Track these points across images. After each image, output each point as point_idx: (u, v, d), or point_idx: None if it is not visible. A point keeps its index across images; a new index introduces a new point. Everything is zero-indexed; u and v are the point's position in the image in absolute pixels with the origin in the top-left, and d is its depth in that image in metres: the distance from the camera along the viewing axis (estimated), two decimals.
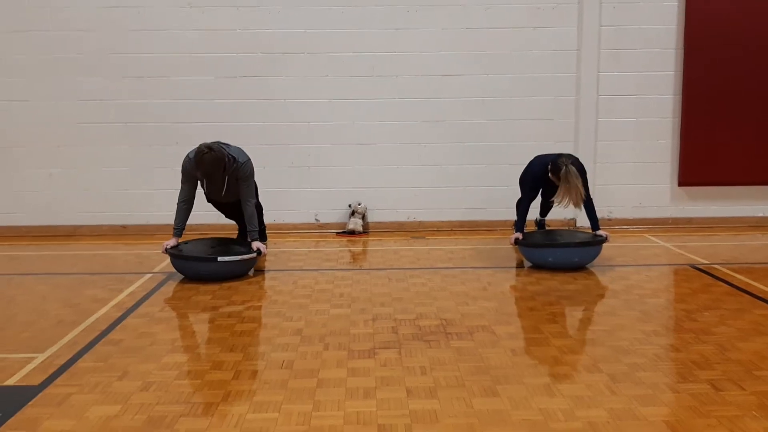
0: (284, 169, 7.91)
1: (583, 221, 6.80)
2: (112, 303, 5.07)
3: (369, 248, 7.24)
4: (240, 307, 4.93)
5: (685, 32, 7.76)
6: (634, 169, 8.02)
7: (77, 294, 5.35)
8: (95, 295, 5.28)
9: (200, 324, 4.72)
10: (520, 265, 6.23)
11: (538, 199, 6.56)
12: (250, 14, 7.70)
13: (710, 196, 8.10)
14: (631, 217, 8.09)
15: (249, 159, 5.86)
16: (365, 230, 7.89)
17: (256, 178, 6.10)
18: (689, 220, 8.10)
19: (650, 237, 7.55)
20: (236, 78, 7.77)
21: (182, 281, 5.69)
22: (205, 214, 6.55)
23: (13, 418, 3.17)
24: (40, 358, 3.94)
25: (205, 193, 6.07)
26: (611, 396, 3.34)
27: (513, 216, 6.37)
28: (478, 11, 7.75)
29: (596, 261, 6.09)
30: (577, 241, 6.11)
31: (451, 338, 4.20)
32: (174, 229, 5.85)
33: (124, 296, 5.26)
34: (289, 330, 4.39)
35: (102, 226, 7.94)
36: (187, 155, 5.75)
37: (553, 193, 5.98)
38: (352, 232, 7.77)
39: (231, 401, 3.33)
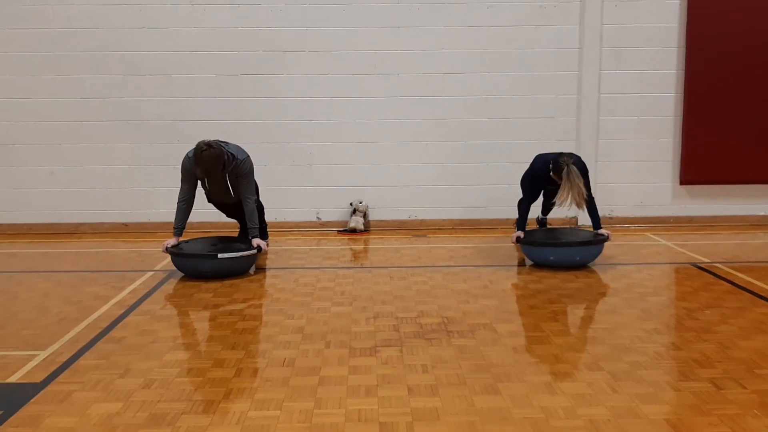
0: (286, 168, 7.91)
1: (585, 220, 6.80)
2: (114, 300, 5.07)
3: (370, 246, 7.25)
4: (241, 305, 4.93)
5: (687, 31, 7.75)
6: (636, 167, 8.02)
7: (79, 291, 5.36)
8: (97, 293, 5.29)
9: (202, 322, 4.72)
10: (521, 264, 6.23)
11: (540, 198, 6.57)
12: (252, 12, 7.70)
13: (712, 194, 8.09)
14: (633, 216, 8.09)
15: (248, 156, 5.86)
16: (366, 228, 7.90)
17: (257, 177, 6.10)
18: (690, 219, 8.10)
19: (651, 235, 7.55)
20: (237, 76, 7.78)
21: (184, 279, 5.69)
22: (206, 213, 6.56)
23: (15, 415, 3.17)
24: (42, 355, 3.94)
25: (205, 193, 6.07)
26: (612, 394, 3.34)
27: (514, 214, 6.37)
28: (480, 9, 7.74)
29: (598, 259, 6.09)
30: (579, 239, 6.10)
31: (453, 336, 4.20)
32: (174, 228, 5.85)
33: (125, 294, 5.26)
34: (291, 328, 4.40)
35: (103, 223, 7.95)
36: (187, 154, 5.75)
37: (554, 193, 5.97)
38: (353, 231, 7.77)
39: (232, 399, 3.33)
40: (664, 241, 7.23)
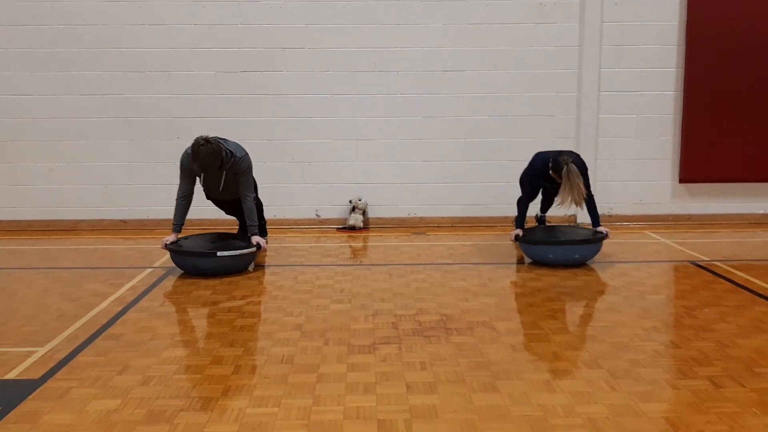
0: (285, 165, 7.91)
1: (584, 218, 6.80)
2: (113, 297, 5.07)
3: (369, 244, 7.24)
4: (240, 302, 4.93)
5: (687, 29, 7.74)
6: (635, 165, 8.02)
7: (78, 288, 5.36)
8: (96, 290, 5.28)
9: (200, 319, 4.72)
10: (520, 262, 6.23)
11: (539, 196, 6.57)
12: (252, 9, 7.69)
13: (711, 192, 8.09)
14: (632, 214, 8.09)
15: (247, 153, 5.85)
16: (366, 226, 7.90)
17: (257, 174, 6.09)
18: (690, 217, 8.10)
19: (651, 234, 7.55)
20: (237, 73, 7.77)
21: (183, 276, 5.69)
22: (205, 210, 6.56)
23: (13, 412, 3.17)
24: (41, 351, 3.94)
25: (204, 190, 6.06)
26: (611, 392, 3.34)
27: (514, 212, 6.36)
28: (480, 7, 7.73)
29: (597, 257, 6.09)
30: (578, 237, 6.10)
31: (451, 334, 4.20)
32: (173, 224, 5.84)
33: (124, 291, 5.26)
34: (290, 325, 4.40)
35: (103, 220, 7.95)
36: (185, 150, 5.74)
37: (553, 191, 5.97)
38: (352, 228, 7.77)
39: (231, 396, 3.33)
40: (663, 239, 7.23)
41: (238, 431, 2.97)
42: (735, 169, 7.95)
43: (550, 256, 5.95)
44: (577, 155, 6.05)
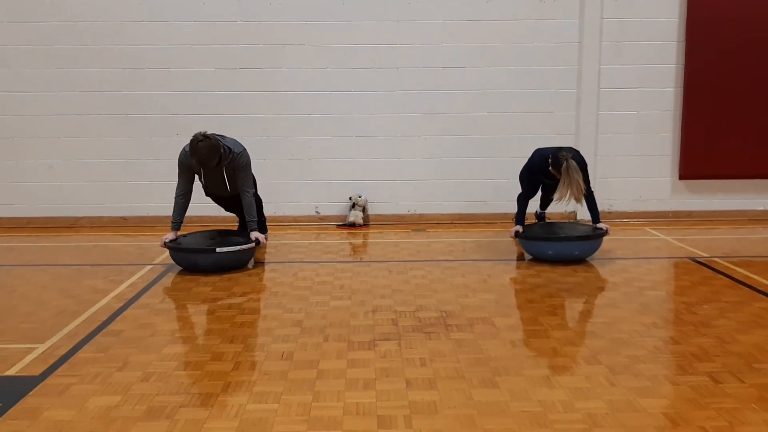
0: (284, 162, 7.91)
1: (584, 214, 6.80)
2: (113, 294, 5.07)
3: (369, 240, 7.25)
4: (240, 299, 4.93)
5: (687, 25, 7.74)
6: (635, 162, 8.02)
7: (78, 285, 5.36)
8: (95, 286, 5.29)
9: (200, 315, 4.72)
10: (520, 258, 6.23)
11: (539, 192, 6.56)
12: (251, 5, 7.68)
13: (711, 189, 8.09)
14: (632, 210, 8.09)
15: (245, 149, 5.85)
16: (366, 223, 7.90)
17: (256, 171, 6.09)
18: (689, 213, 8.10)
19: (650, 230, 7.55)
20: (236, 69, 7.76)
21: (182, 273, 5.69)
22: (205, 207, 6.55)
23: (13, 408, 3.17)
24: (41, 348, 3.94)
25: (203, 186, 6.06)
26: (610, 388, 3.34)
27: (513, 209, 6.36)
28: (479, 3, 7.73)
29: (596, 254, 6.09)
30: (578, 234, 6.10)
31: (451, 330, 4.21)
32: (172, 222, 5.84)
33: (124, 287, 5.26)
34: (290, 321, 4.40)
35: (102, 217, 7.95)
36: (183, 148, 5.73)
37: (553, 187, 5.97)
38: (352, 225, 7.77)
39: (231, 392, 3.33)
40: (663, 236, 7.23)
41: (238, 427, 2.97)
42: (735, 165, 7.95)
43: (550, 252, 5.95)
44: (577, 151, 6.05)
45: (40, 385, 3.44)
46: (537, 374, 3.52)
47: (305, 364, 3.66)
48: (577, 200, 5.83)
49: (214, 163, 5.62)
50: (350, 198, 7.89)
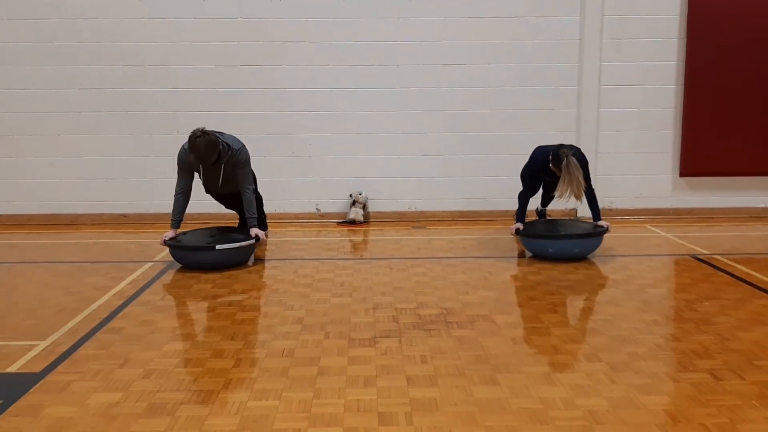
0: (285, 159, 7.90)
1: (585, 211, 6.80)
2: (113, 291, 5.08)
3: (370, 238, 7.25)
4: (241, 296, 4.93)
5: (688, 22, 7.73)
6: (636, 159, 8.01)
7: (78, 282, 5.36)
8: (96, 283, 5.29)
9: (201, 312, 4.72)
10: (521, 255, 6.23)
11: (540, 189, 6.56)
12: (251, 3, 7.67)
13: (711, 186, 8.09)
14: (633, 208, 8.09)
15: (244, 146, 5.84)
16: (366, 220, 7.89)
17: (257, 168, 6.09)
18: (690, 211, 8.10)
19: (651, 227, 7.55)
20: (237, 67, 7.75)
21: (183, 270, 5.69)
22: (205, 204, 6.54)
23: (14, 405, 3.18)
24: (42, 345, 3.95)
25: (203, 184, 6.06)
26: (611, 385, 3.34)
27: (514, 206, 6.35)
28: (480, 0, 7.71)
29: (597, 251, 6.09)
30: (578, 231, 6.10)
31: (452, 327, 4.21)
32: (171, 220, 5.84)
33: (125, 284, 5.26)
34: (290, 318, 4.40)
35: (102, 214, 7.95)
36: (182, 146, 5.72)
37: (554, 185, 5.96)
38: (353, 222, 7.77)
39: (232, 389, 3.33)
40: (663, 233, 7.23)
41: (239, 424, 2.97)
42: (736, 162, 7.94)
43: (551, 249, 5.95)
44: (578, 149, 6.05)
45: (41, 382, 3.44)
46: (538, 371, 3.52)
47: (306, 361, 3.67)
48: (578, 197, 5.82)
49: (213, 159, 5.60)
50: (351, 195, 7.89)
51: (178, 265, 5.79)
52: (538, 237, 6.07)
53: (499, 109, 7.88)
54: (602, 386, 3.33)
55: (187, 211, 5.91)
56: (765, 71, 7.79)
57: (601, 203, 6.39)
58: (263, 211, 6.60)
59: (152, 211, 7.83)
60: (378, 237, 7.24)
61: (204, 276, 5.47)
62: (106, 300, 4.85)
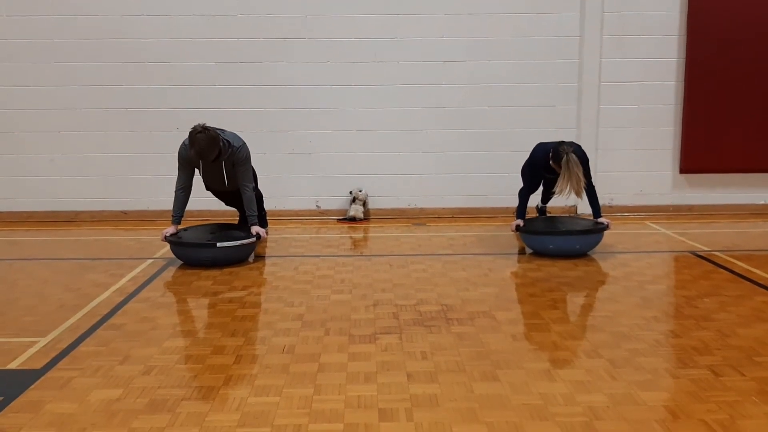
0: (285, 156, 7.90)
1: (585, 208, 6.80)
2: (114, 288, 5.08)
3: (370, 235, 7.25)
4: (241, 293, 4.94)
5: (688, 19, 7.72)
6: (636, 156, 8.01)
7: (79, 279, 5.36)
8: (97, 280, 5.29)
9: (201, 309, 4.73)
10: (521, 252, 6.23)
11: (540, 186, 6.56)
12: None
13: (711, 183, 8.09)
14: (633, 204, 8.09)
15: (244, 143, 5.84)
16: (366, 217, 7.90)
17: (257, 165, 6.08)
18: (690, 207, 8.10)
19: (651, 224, 7.55)
20: (237, 63, 7.75)
21: (183, 267, 5.69)
22: (205, 201, 6.55)
23: (15, 401, 3.18)
24: (42, 342, 3.95)
25: (203, 181, 6.05)
26: (611, 381, 3.35)
27: (514, 203, 6.36)
28: None
29: (597, 248, 6.09)
30: (579, 228, 6.10)
31: (452, 324, 4.21)
32: (172, 216, 5.84)
33: (125, 281, 5.27)
34: (291, 315, 4.40)
35: (103, 211, 7.95)
36: (183, 142, 5.72)
37: (554, 182, 5.96)
38: (353, 219, 7.77)
39: (232, 385, 3.34)
40: (663, 230, 7.23)
41: (239, 420, 2.98)
42: (736, 159, 7.95)
43: (551, 246, 5.95)
44: (578, 146, 6.05)
45: (42, 378, 3.44)
46: (538, 368, 3.52)
47: (306, 358, 3.67)
48: (578, 194, 5.82)
49: (213, 156, 5.59)
50: (351, 192, 7.89)
51: (179, 262, 5.79)
52: (539, 234, 6.07)
53: (499, 106, 7.88)
54: (602, 382, 3.33)
55: (187, 207, 5.91)
56: (765, 68, 7.79)
57: (601, 200, 6.38)
58: (263, 209, 6.60)
59: (152, 208, 7.84)
60: (378, 234, 7.24)
61: (204, 273, 5.48)
62: (106, 297, 4.86)
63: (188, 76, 7.74)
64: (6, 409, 3.11)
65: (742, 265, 5.60)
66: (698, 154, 7.93)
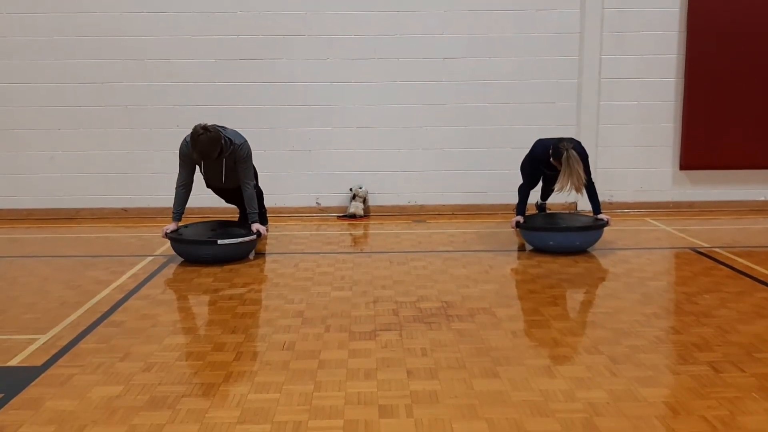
0: (285, 153, 7.90)
1: (585, 205, 6.80)
2: (114, 285, 5.08)
3: (370, 232, 7.25)
4: (241, 290, 4.94)
5: (688, 15, 7.71)
6: (636, 152, 8.01)
7: (79, 276, 5.37)
8: (97, 277, 5.29)
9: (202, 306, 4.73)
10: (521, 249, 6.23)
11: (540, 183, 6.56)
12: None
13: (712, 179, 8.09)
14: (633, 201, 8.09)
15: (246, 141, 5.84)
16: (366, 214, 7.90)
17: (257, 162, 6.08)
18: (690, 204, 8.10)
19: (651, 221, 7.55)
20: (236, 61, 7.75)
21: (183, 264, 5.70)
22: (206, 198, 6.55)
23: (16, 398, 3.18)
24: (43, 339, 3.95)
25: (204, 178, 6.06)
26: (611, 377, 3.35)
27: (514, 199, 6.36)
28: None
29: (597, 244, 6.09)
30: (579, 224, 6.10)
31: (452, 320, 4.21)
32: (173, 213, 5.84)
33: (125, 278, 5.27)
34: (291, 312, 4.41)
35: (103, 209, 7.95)
36: (184, 139, 5.73)
37: (554, 178, 5.96)
38: (353, 216, 7.77)
39: (232, 382, 3.34)
40: (664, 226, 7.23)
41: (239, 417, 2.98)
42: (736, 155, 7.94)
43: (551, 243, 5.95)
44: (578, 142, 6.04)
45: (43, 375, 3.45)
46: (538, 364, 3.53)
47: (306, 354, 3.67)
48: (578, 190, 5.82)
49: (215, 156, 5.62)
50: (351, 189, 7.89)
51: (179, 259, 5.79)
52: (539, 230, 6.07)
53: (499, 103, 7.88)
54: (602, 379, 3.33)
55: (188, 205, 5.91)
56: (765, 64, 7.78)
57: (601, 196, 6.38)
58: (264, 206, 6.60)
59: (152, 205, 7.83)
60: (378, 231, 7.24)
61: (204, 270, 5.48)
62: (106, 294, 4.86)
63: (188, 74, 7.74)
64: (6, 406, 3.11)
65: (742, 262, 5.60)
66: (698, 150, 7.93)
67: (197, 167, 5.86)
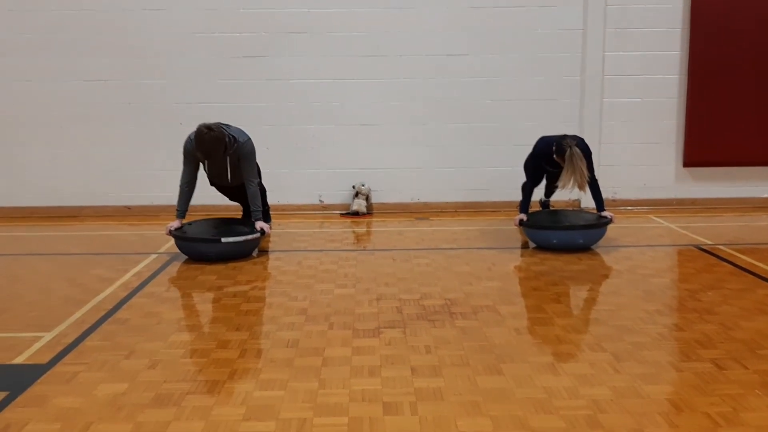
0: (288, 150, 7.90)
1: (588, 202, 6.80)
2: (118, 283, 5.09)
3: (373, 229, 7.26)
4: (245, 287, 4.95)
5: (692, 12, 7.70)
6: (639, 149, 8.00)
7: (83, 274, 5.38)
8: (101, 275, 5.31)
9: (206, 303, 4.74)
10: (524, 246, 6.24)
11: (544, 180, 6.56)
12: None
13: (715, 176, 8.08)
14: (636, 198, 8.09)
15: (249, 138, 5.86)
16: (369, 211, 7.90)
17: (259, 160, 6.09)
18: (694, 201, 8.09)
19: (655, 218, 7.55)
20: (239, 58, 7.75)
21: (187, 261, 5.71)
22: (209, 195, 6.54)
23: (22, 396, 3.20)
24: (48, 336, 3.97)
25: (208, 176, 6.07)
26: (614, 374, 3.36)
27: (517, 197, 6.36)
28: None
29: (601, 242, 6.09)
30: (582, 222, 6.10)
31: (456, 318, 4.22)
32: (177, 210, 5.86)
33: (129, 276, 5.28)
34: (295, 309, 4.42)
35: (106, 206, 7.96)
36: (188, 136, 5.74)
37: (557, 175, 5.96)
38: (356, 213, 7.78)
39: (237, 379, 3.35)
40: (667, 223, 7.23)
41: (245, 414, 2.99)
42: (739, 152, 7.93)
43: (554, 240, 5.95)
44: (581, 139, 6.05)
45: (48, 373, 3.46)
46: (541, 361, 3.53)
47: (310, 352, 3.68)
48: (581, 188, 5.82)
49: (219, 154, 5.65)
50: (353, 187, 7.89)
51: (183, 257, 5.81)
52: (542, 228, 6.07)
53: (502, 100, 7.87)
54: (606, 376, 3.34)
55: (191, 202, 5.92)
56: None
57: (605, 193, 6.38)
58: (267, 203, 6.61)
59: (156, 203, 7.84)
60: (381, 228, 7.25)
61: (208, 267, 5.49)
62: (111, 291, 4.87)
63: (191, 71, 7.74)
64: (12, 403, 3.12)
65: (745, 259, 5.60)
66: (702, 147, 7.92)
67: (201, 165, 5.87)
